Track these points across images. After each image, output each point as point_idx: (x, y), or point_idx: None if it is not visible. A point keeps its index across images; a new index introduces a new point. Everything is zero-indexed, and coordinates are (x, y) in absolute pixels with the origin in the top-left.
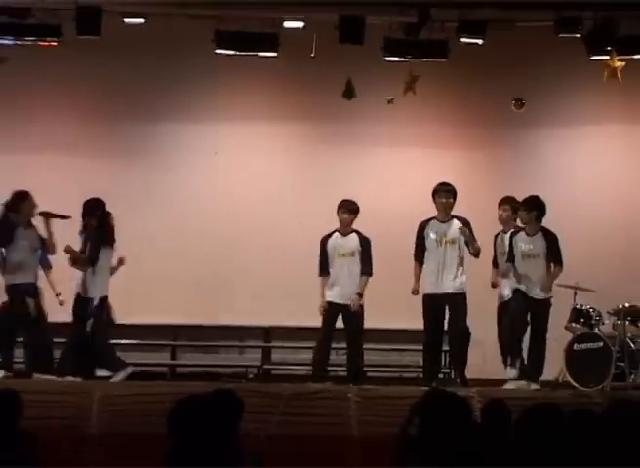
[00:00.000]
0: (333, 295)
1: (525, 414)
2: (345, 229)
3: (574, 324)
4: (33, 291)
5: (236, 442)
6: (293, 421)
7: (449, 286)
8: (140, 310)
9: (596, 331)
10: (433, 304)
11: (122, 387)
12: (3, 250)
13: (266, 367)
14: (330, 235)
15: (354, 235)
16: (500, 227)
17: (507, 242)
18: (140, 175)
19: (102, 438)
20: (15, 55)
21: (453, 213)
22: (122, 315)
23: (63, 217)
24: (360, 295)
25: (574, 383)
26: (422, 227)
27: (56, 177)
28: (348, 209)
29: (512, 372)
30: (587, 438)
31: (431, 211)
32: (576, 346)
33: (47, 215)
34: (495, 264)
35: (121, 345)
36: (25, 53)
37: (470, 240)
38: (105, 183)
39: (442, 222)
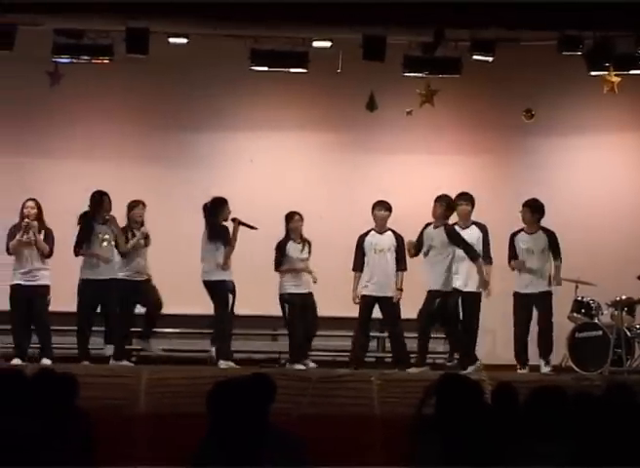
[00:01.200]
0: (369, 289)
1: (531, 396)
2: (382, 227)
3: (575, 314)
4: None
5: (268, 420)
6: (321, 402)
7: (461, 285)
8: (187, 302)
9: (596, 320)
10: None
11: (167, 371)
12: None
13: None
14: (367, 233)
15: (390, 233)
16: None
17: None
18: (183, 179)
19: (149, 417)
20: (71, 71)
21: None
22: (173, 306)
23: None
24: (401, 290)
25: (575, 368)
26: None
27: (108, 180)
28: (384, 207)
29: (547, 369)
30: (588, 417)
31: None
32: (577, 334)
33: (238, 222)
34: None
35: (169, 334)
36: (80, 70)
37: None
38: (152, 187)
39: (463, 229)
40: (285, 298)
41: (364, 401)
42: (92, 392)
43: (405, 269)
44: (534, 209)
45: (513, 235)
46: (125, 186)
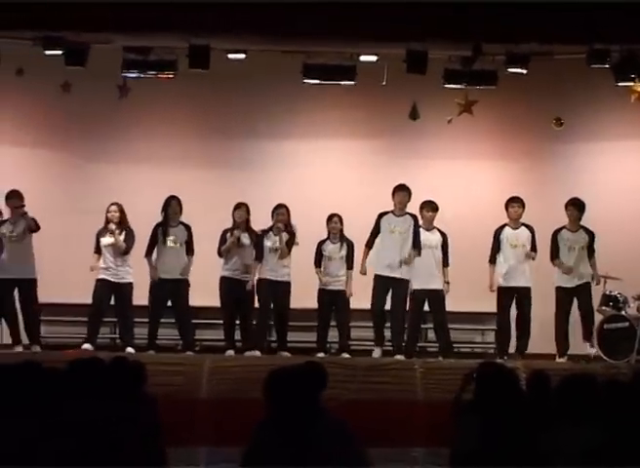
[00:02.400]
0: (419, 283)
1: (563, 383)
2: (429, 225)
3: (604, 307)
4: None
5: (319, 405)
6: (368, 388)
7: (522, 280)
8: None
9: (623, 313)
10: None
11: (227, 359)
12: None
13: (349, 343)
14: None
15: (436, 231)
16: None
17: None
18: (239, 183)
19: (210, 402)
20: (138, 85)
21: None
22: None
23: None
24: (448, 283)
25: (604, 357)
26: (497, 233)
27: (172, 184)
28: (431, 207)
29: (592, 350)
30: (616, 403)
31: (484, 214)
32: (605, 326)
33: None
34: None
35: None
36: (147, 84)
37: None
38: (210, 190)
39: (514, 229)
40: (320, 294)
41: (408, 387)
42: (159, 379)
43: (448, 265)
44: (580, 207)
45: (557, 232)
46: (187, 189)
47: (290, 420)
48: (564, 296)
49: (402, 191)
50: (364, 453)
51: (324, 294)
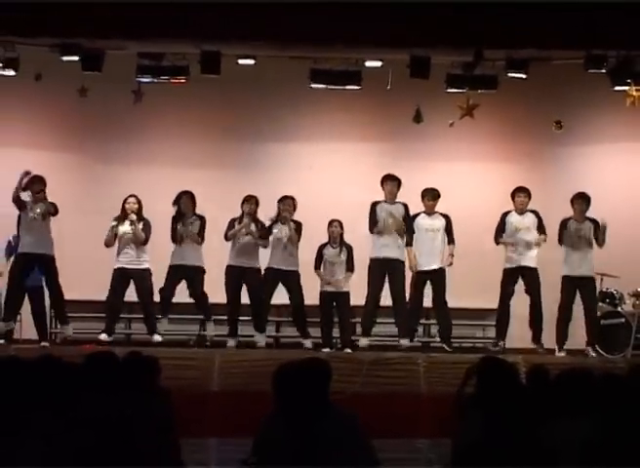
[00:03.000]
0: (421, 264)
1: (562, 377)
2: (431, 211)
3: (601, 303)
4: None
5: (326, 398)
6: (373, 382)
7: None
8: None
9: (619, 309)
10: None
11: (237, 354)
12: None
13: (352, 338)
14: (417, 215)
15: (439, 215)
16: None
17: None
18: (248, 185)
19: (222, 394)
20: (152, 89)
21: None
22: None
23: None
24: (452, 256)
25: (601, 351)
26: (504, 215)
27: (184, 184)
28: (432, 195)
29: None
30: (613, 396)
31: (485, 213)
32: (602, 321)
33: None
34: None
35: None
36: (160, 88)
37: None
38: (221, 192)
39: (520, 214)
40: (321, 295)
41: (411, 381)
42: (172, 373)
43: (454, 242)
44: (588, 201)
45: (565, 222)
46: (198, 188)
47: (297, 412)
48: (569, 286)
49: (392, 181)
50: (371, 445)
51: (325, 296)
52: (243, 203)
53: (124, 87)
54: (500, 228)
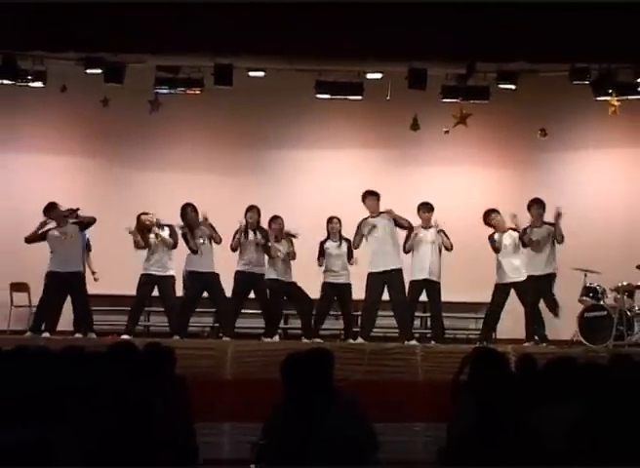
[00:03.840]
0: (417, 274)
1: (548, 365)
2: (426, 224)
3: (584, 297)
4: None
5: (331, 385)
6: (374, 370)
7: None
8: None
9: (601, 303)
10: None
11: (248, 345)
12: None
13: (355, 330)
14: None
15: (433, 229)
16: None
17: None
18: (256, 189)
19: (234, 382)
20: (168, 100)
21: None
22: None
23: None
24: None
25: (585, 342)
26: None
27: (199, 191)
28: (427, 208)
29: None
30: (595, 383)
31: (477, 215)
32: (586, 314)
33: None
34: None
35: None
36: (176, 98)
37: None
38: (229, 196)
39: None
40: (323, 286)
41: (410, 369)
42: (189, 362)
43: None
44: (543, 205)
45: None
46: (207, 192)
47: (304, 398)
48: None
49: (372, 196)
50: (372, 429)
51: (328, 287)
52: (246, 212)
53: (143, 98)
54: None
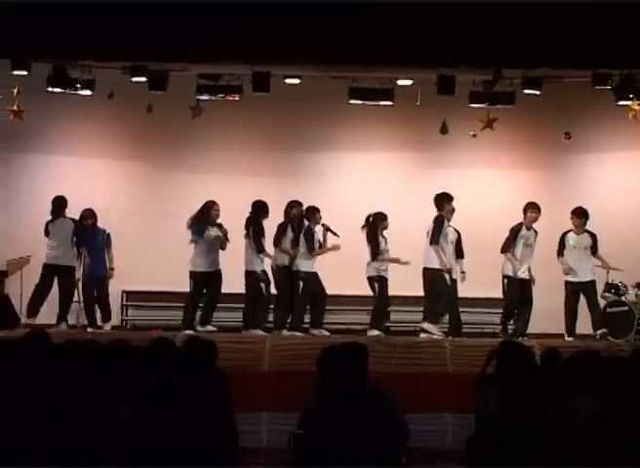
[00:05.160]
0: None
1: (572, 358)
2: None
3: (607, 294)
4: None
5: (365, 376)
6: (405, 363)
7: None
8: None
9: (623, 298)
10: None
11: (286, 338)
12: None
13: (387, 324)
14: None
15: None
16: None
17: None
18: (293, 190)
19: (272, 374)
20: (209, 106)
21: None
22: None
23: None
24: (463, 273)
25: (607, 336)
26: (517, 231)
27: (234, 191)
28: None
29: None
30: (618, 375)
31: (502, 215)
32: (608, 310)
33: (326, 228)
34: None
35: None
36: (216, 104)
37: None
38: (267, 197)
39: (528, 229)
40: (375, 279)
41: (439, 362)
42: (229, 355)
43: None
44: (580, 215)
45: (564, 234)
46: (245, 194)
47: (340, 389)
48: (573, 290)
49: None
50: (403, 419)
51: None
52: (292, 208)
53: (185, 104)
54: (513, 242)
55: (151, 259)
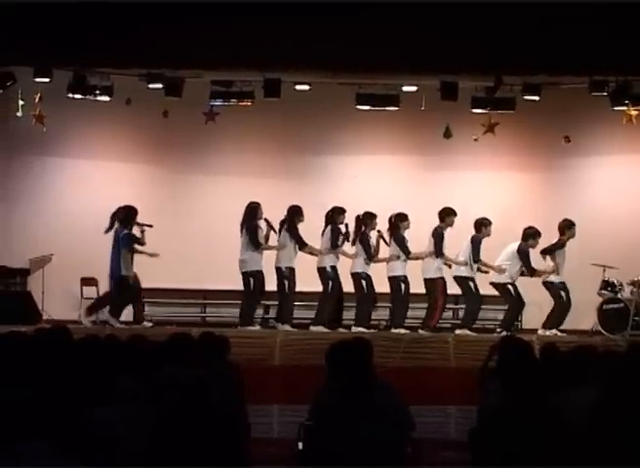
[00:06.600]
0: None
1: (570, 353)
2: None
3: (603, 291)
4: None
5: (371, 370)
6: (410, 357)
7: None
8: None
9: (619, 295)
10: None
11: (296, 334)
12: None
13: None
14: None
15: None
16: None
17: None
18: (303, 192)
19: (282, 368)
20: (222, 111)
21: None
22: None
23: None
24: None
25: (603, 332)
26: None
27: (246, 193)
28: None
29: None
30: (614, 368)
31: (505, 216)
32: (604, 306)
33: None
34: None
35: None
36: (229, 110)
37: None
38: (278, 199)
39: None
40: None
41: (442, 356)
42: (242, 350)
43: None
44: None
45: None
46: (257, 196)
47: (347, 382)
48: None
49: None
50: (408, 410)
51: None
52: (340, 215)
53: (199, 109)
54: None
55: (167, 258)
